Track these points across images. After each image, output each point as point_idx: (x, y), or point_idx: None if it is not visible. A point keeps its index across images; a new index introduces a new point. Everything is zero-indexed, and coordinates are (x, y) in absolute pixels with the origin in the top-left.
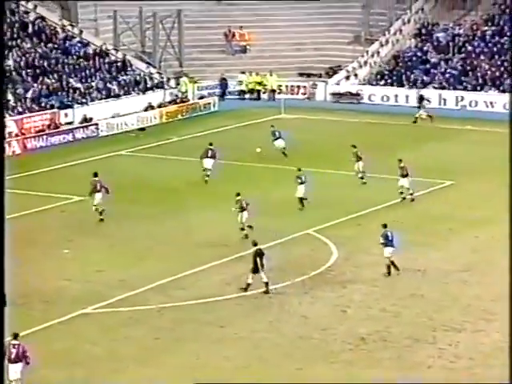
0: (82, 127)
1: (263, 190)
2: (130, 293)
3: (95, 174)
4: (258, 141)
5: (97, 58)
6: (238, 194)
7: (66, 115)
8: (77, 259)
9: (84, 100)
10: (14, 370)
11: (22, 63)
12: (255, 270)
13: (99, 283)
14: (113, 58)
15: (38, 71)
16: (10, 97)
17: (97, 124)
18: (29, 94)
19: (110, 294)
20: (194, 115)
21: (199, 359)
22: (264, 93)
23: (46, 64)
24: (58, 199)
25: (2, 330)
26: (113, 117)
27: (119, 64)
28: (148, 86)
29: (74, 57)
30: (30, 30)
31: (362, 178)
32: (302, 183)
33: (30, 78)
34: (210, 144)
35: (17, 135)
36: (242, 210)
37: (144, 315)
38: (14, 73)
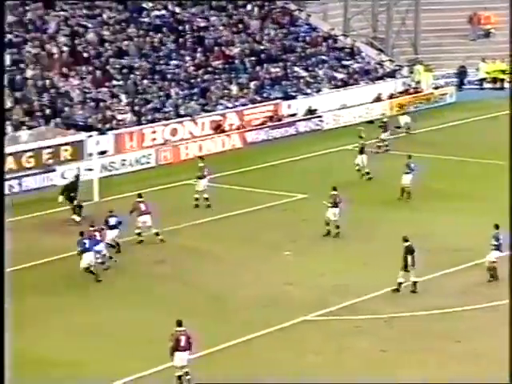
0: (306, 119)
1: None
2: (354, 300)
3: (139, 195)
4: (500, 136)
5: (324, 44)
6: (335, 189)
7: (289, 106)
8: (299, 262)
9: (309, 90)
10: (180, 358)
11: (247, 50)
12: (405, 268)
13: (321, 288)
14: (341, 44)
15: (262, 58)
16: (233, 87)
17: (321, 116)
18: (252, 84)
19: (332, 300)
20: (428, 107)
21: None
22: (510, 82)
23: (271, 51)
24: (279, 197)
25: (2, 329)
26: (339, 108)
27: (348, 51)
28: (378, 74)
29: (301, 43)
30: (256, 13)
31: None
32: (408, 172)
33: (253, 67)
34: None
35: (238, 128)
36: (334, 205)
37: (370, 325)
38: (236, 61)
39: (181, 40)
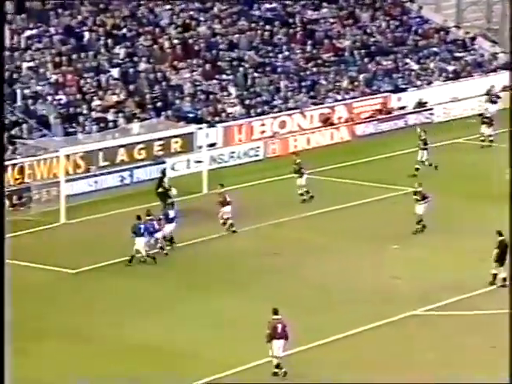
0: (416, 112)
1: None
2: (464, 295)
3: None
4: None
5: (436, 36)
6: (420, 185)
7: (398, 99)
8: (407, 256)
9: (419, 82)
10: (277, 346)
11: (358, 43)
12: (501, 262)
13: (431, 283)
14: (454, 36)
15: (372, 50)
16: (342, 79)
17: (432, 109)
18: (361, 77)
19: (442, 295)
20: None
21: None
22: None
23: (382, 43)
24: (388, 190)
25: (2, 329)
26: (451, 101)
27: (460, 43)
28: (492, 67)
29: (412, 35)
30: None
31: None
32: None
33: (363, 59)
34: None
35: (346, 121)
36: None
37: (480, 321)
38: (346, 53)
39: (291, 32)
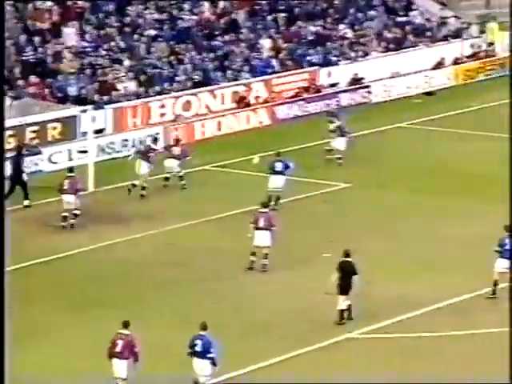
0: (350, 90)
1: None
2: (410, 314)
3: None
4: None
5: None
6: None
7: (329, 75)
8: None
9: (353, 54)
10: (118, 367)
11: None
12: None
13: (370, 299)
14: None
15: (296, 11)
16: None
17: (369, 86)
18: (283, 46)
19: (384, 314)
20: (503, 74)
21: None
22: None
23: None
24: (317, 186)
25: (2, 328)
26: (391, 77)
27: (403, 5)
28: (441, 34)
29: None
30: None
31: None
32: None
33: (284, 22)
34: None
35: (265, 101)
36: None
37: (429, 344)
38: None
39: None
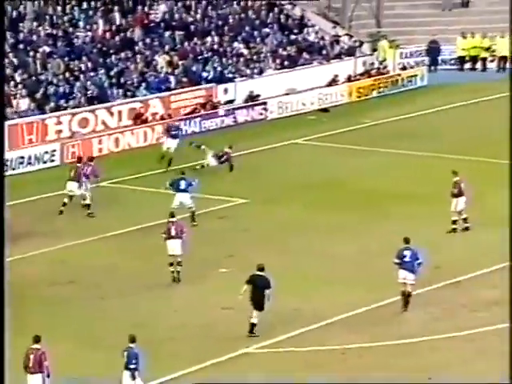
0: (247, 107)
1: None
2: (306, 328)
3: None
4: (483, 127)
5: (268, 15)
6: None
7: (225, 91)
8: (239, 280)
9: (249, 71)
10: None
11: (167, 16)
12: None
13: (266, 314)
14: (289, 15)
15: (192, 29)
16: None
17: (265, 103)
18: (180, 63)
19: (281, 328)
20: (395, 92)
21: None
22: (492, 61)
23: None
24: (215, 202)
25: (2, 330)
26: (286, 94)
27: (297, 23)
28: (334, 52)
29: (239, 11)
30: None
31: None
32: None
33: (179, 39)
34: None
35: (162, 118)
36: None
37: (322, 358)
38: (165, 32)
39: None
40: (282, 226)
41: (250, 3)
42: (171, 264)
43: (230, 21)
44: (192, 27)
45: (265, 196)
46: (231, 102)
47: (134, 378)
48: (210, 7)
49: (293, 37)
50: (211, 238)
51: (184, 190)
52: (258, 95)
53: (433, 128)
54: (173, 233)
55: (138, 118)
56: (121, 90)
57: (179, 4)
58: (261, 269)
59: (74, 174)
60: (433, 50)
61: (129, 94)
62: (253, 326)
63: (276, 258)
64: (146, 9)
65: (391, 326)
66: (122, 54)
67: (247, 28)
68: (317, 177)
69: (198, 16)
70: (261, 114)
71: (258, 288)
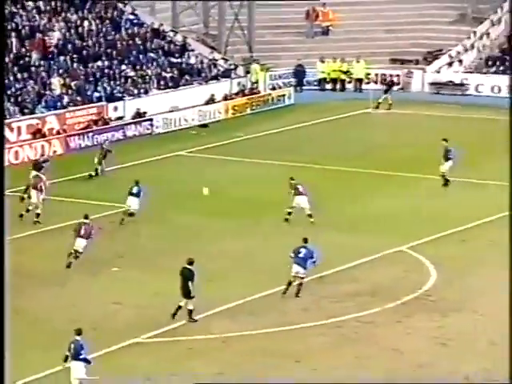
0: (135, 123)
1: (349, 200)
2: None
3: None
4: (342, 140)
5: (153, 41)
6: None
7: (115, 109)
8: (129, 279)
9: (136, 91)
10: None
11: (68, 45)
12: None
13: (155, 308)
14: (171, 41)
15: (85, 54)
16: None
17: (151, 119)
18: (73, 84)
19: (167, 320)
20: (266, 109)
21: None
22: (349, 82)
23: (95, 46)
24: (106, 208)
25: (2, 333)
26: (170, 111)
27: (178, 48)
28: (212, 74)
29: (126, 39)
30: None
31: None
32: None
33: (74, 63)
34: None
35: (58, 132)
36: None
37: (206, 346)
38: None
39: None
40: (175, 231)
41: (136, 31)
42: (71, 254)
43: (119, 46)
44: (84, 52)
45: (151, 203)
46: (121, 118)
47: (89, 362)
48: (100, 34)
49: (175, 60)
50: (102, 240)
51: (135, 195)
52: (145, 112)
53: (299, 141)
54: (82, 233)
55: (37, 133)
56: (17, 108)
57: (72, 31)
58: (190, 263)
59: None
60: (298, 73)
61: (26, 111)
62: (179, 308)
63: (166, 259)
64: (41, 35)
65: (269, 315)
66: (19, 76)
67: (134, 52)
68: (197, 185)
69: (90, 42)
70: (148, 129)
71: (184, 279)
